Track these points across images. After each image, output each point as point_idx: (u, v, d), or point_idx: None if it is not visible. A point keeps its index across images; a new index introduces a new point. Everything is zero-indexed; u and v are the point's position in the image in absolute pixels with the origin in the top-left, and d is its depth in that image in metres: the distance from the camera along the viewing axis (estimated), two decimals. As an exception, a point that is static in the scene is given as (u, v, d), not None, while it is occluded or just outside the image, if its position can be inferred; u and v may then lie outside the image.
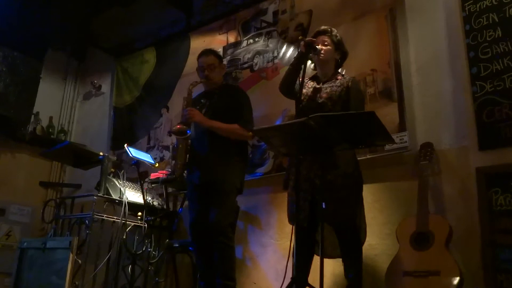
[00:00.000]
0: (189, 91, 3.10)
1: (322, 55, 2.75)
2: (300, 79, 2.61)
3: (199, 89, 3.32)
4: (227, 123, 2.96)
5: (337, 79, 2.78)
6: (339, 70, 2.89)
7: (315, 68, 2.90)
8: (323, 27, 2.89)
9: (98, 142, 5.16)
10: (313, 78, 2.85)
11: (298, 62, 2.66)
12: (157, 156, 4.67)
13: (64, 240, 3.17)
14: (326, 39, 2.80)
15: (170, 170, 3.98)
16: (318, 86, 2.77)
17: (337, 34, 2.86)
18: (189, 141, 3.04)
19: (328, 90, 2.73)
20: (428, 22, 3.29)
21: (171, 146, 4.62)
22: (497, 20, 2.91)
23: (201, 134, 3.03)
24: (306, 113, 2.24)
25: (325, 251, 2.32)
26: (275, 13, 4.22)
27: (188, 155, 3.04)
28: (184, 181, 3.66)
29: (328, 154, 2.41)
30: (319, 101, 2.70)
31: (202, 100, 3.17)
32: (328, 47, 2.79)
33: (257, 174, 3.82)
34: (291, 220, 2.69)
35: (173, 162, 3.01)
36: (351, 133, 2.24)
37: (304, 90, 2.71)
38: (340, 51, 2.87)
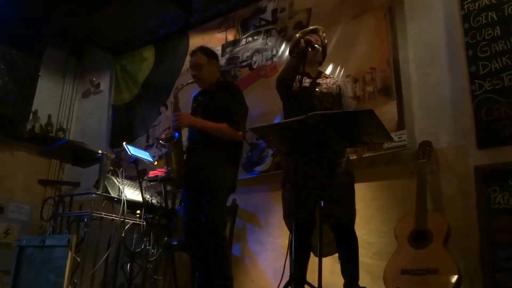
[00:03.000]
0: (175, 96, 3.04)
1: (317, 53, 2.76)
2: (299, 76, 2.62)
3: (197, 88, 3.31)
4: (218, 121, 2.92)
5: (327, 78, 2.85)
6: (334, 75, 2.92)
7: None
8: (315, 27, 2.90)
9: (96, 140, 5.16)
10: (304, 74, 2.84)
11: (301, 56, 2.65)
12: (156, 154, 4.67)
13: (63, 238, 3.16)
14: (318, 38, 2.82)
15: (168, 168, 3.98)
16: (312, 81, 2.79)
17: (325, 37, 2.88)
18: (182, 144, 2.99)
19: (325, 86, 2.76)
20: (427, 20, 3.29)
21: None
22: (496, 19, 2.91)
23: (193, 134, 3.03)
24: (307, 106, 2.23)
25: (323, 249, 2.32)
26: (274, 11, 4.22)
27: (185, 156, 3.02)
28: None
29: (331, 152, 2.41)
30: (319, 95, 2.71)
31: (199, 98, 3.15)
32: (320, 48, 2.81)
33: (255, 172, 3.82)
34: (289, 218, 2.69)
35: (168, 168, 2.97)
36: (350, 131, 2.25)
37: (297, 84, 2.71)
38: (324, 54, 2.89)
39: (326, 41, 2.89)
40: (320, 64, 2.95)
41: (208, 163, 2.88)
